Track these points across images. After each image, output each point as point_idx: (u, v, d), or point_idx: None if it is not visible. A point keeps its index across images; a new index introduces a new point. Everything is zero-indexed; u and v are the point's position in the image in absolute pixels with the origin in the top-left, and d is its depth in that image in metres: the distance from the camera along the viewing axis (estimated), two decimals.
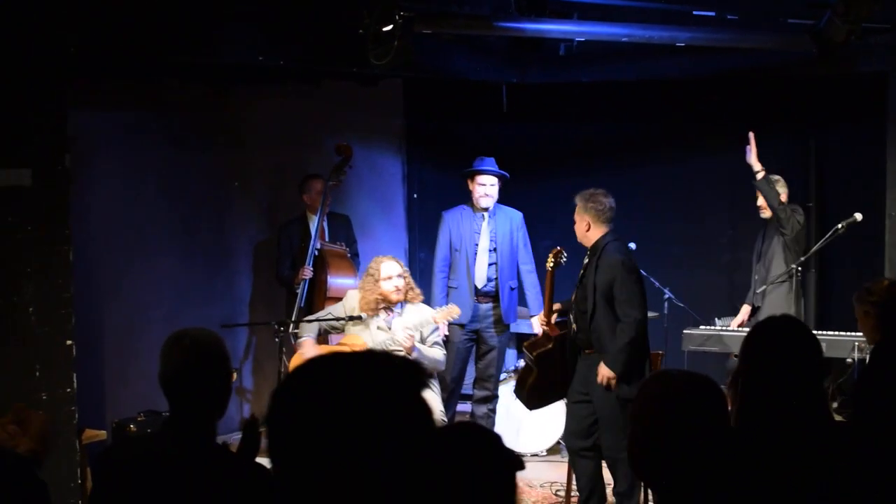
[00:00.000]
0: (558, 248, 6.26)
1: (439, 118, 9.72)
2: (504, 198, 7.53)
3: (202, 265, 8.03)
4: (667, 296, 7.76)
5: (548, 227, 8.35)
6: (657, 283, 7.75)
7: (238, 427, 7.66)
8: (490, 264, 7.39)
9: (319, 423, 1.52)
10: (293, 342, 6.88)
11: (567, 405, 6.17)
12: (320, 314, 6.87)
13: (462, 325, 7.32)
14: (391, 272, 6.59)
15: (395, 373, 1.60)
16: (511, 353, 7.88)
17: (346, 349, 6.41)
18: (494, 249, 7.39)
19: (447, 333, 7.20)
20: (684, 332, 7.25)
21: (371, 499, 1.52)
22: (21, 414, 3.03)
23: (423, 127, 9.76)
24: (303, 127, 8.67)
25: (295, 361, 6.57)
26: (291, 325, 6.89)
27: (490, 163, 7.42)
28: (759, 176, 7.19)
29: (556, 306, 6.33)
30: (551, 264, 6.26)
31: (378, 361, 1.63)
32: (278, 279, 8.02)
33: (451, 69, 8.24)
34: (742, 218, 8.36)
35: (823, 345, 6.53)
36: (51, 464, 4.24)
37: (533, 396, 6.37)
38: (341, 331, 6.77)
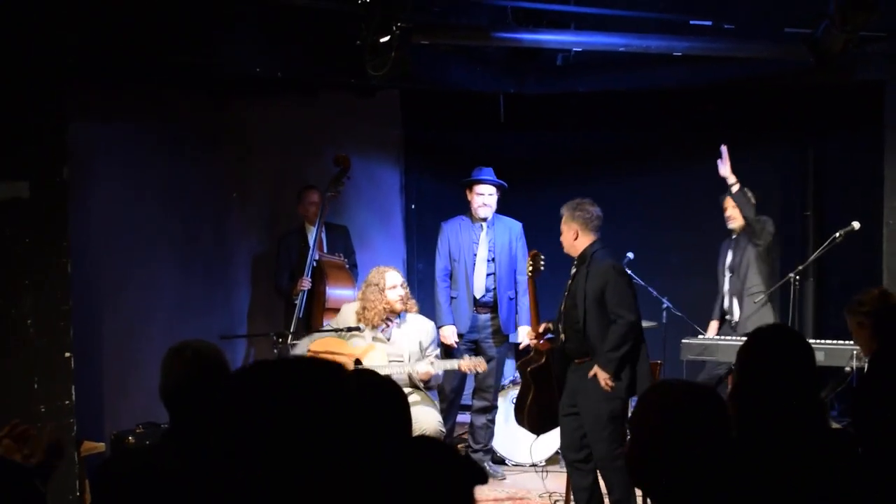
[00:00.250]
0: (534, 251, 6.30)
1: (437, 129, 9.74)
2: (502, 207, 7.54)
3: (201, 276, 8.01)
4: (665, 305, 7.76)
5: (546, 237, 8.34)
6: (655, 293, 7.75)
7: None
8: (488, 274, 7.40)
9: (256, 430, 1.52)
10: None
11: (559, 418, 6.18)
12: (321, 333, 6.89)
13: (461, 336, 7.36)
14: (395, 282, 6.63)
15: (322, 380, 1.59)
16: (510, 364, 7.87)
17: (344, 359, 6.41)
18: (493, 260, 7.40)
19: (449, 342, 7.25)
20: (683, 341, 7.24)
21: None
22: (17, 430, 3.03)
23: (421, 137, 9.77)
24: (301, 138, 8.68)
25: None
26: (290, 337, 6.89)
27: (488, 173, 7.44)
28: (735, 188, 7.22)
29: (543, 326, 6.35)
30: (531, 269, 6.28)
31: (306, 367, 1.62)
32: (277, 290, 8.01)
33: (448, 80, 8.25)
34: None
35: (822, 354, 6.59)
36: None
37: (533, 417, 6.37)
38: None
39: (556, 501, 6.82)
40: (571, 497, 6.22)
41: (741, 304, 7.29)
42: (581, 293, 5.89)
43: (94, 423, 6.68)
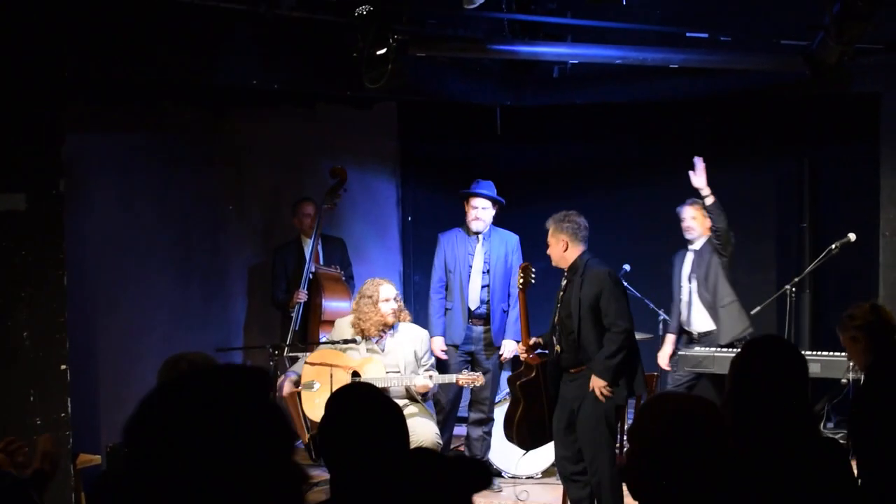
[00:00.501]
0: (525, 263, 6.31)
1: (434, 141, 9.74)
2: (498, 219, 7.54)
3: (197, 288, 8.01)
4: (661, 317, 7.75)
5: (542, 249, 8.36)
6: (652, 305, 7.74)
7: None
8: (483, 286, 7.40)
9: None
10: (287, 366, 6.87)
11: (554, 431, 6.17)
12: (319, 346, 6.88)
13: (456, 347, 7.36)
14: (388, 295, 6.63)
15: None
16: (505, 376, 7.86)
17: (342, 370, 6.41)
18: (487, 271, 7.40)
19: (437, 354, 7.25)
20: (679, 353, 7.24)
21: None
22: (12, 446, 3.02)
23: (418, 149, 9.78)
24: (298, 150, 8.68)
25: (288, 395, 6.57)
26: (286, 349, 6.87)
27: (487, 186, 7.43)
28: (709, 200, 7.20)
29: (534, 340, 6.35)
30: (521, 282, 6.29)
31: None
32: (273, 302, 8.01)
33: (445, 92, 8.26)
34: (736, 238, 8.36)
35: (818, 366, 6.59)
36: None
37: (523, 432, 6.36)
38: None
39: None
40: None
41: (715, 317, 7.23)
42: (576, 301, 5.90)
43: (89, 435, 6.66)
